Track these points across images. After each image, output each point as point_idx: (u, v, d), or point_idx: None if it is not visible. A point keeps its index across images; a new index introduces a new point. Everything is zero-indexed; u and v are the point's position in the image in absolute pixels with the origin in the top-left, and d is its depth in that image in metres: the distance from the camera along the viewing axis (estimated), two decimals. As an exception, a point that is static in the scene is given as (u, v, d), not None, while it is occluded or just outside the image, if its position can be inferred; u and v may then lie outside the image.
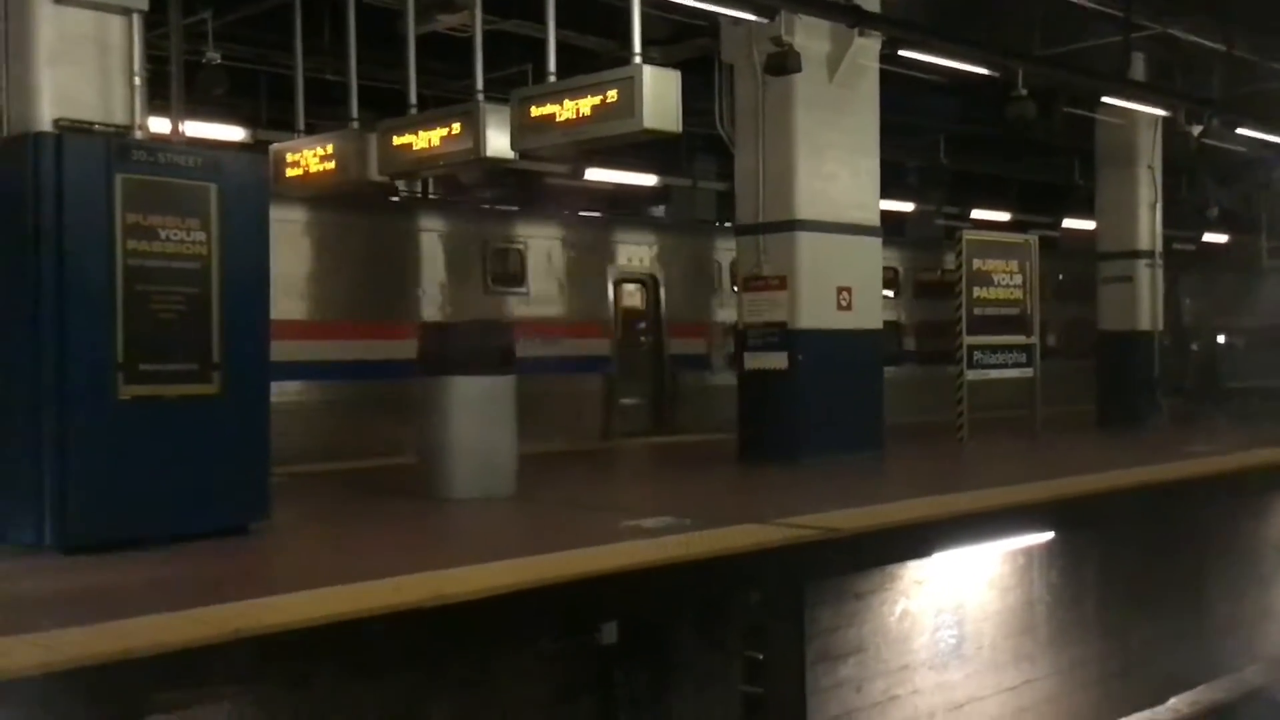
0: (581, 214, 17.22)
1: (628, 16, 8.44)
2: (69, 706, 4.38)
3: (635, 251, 15.65)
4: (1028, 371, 14.29)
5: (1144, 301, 15.98)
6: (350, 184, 10.49)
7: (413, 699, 5.81)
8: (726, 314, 15.79)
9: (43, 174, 6.54)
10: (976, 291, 13.68)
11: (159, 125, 7.77)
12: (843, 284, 11.26)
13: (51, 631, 4.76)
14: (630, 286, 15.63)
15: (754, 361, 11.32)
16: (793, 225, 11.01)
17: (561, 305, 14.60)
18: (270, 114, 14.72)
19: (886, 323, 16.82)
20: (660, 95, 8.05)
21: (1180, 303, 20.38)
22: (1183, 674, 10.36)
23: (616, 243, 15.62)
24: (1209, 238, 24.50)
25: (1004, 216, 23.41)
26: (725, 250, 16.25)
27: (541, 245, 14.61)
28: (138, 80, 6.99)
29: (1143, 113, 15.23)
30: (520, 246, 14.44)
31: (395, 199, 15.40)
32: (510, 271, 14.33)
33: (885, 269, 17.03)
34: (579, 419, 14.24)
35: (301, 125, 10.95)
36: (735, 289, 15.77)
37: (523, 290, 14.30)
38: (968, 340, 13.47)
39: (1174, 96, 15.12)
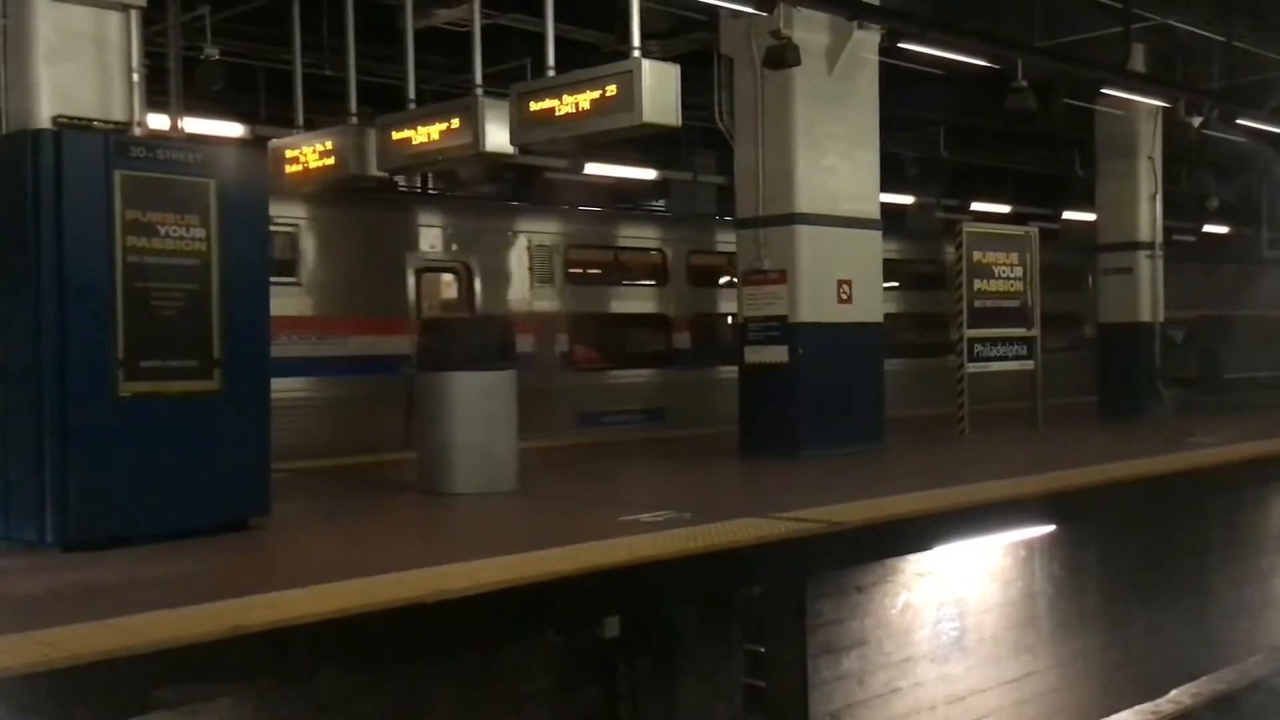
0: (373, 192, 14.91)
1: (626, 10, 8.41)
2: (70, 704, 4.38)
3: (445, 236, 13.70)
4: (1028, 364, 14.30)
5: (1144, 293, 15.99)
6: (350, 179, 10.49)
7: (416, 693, 5.82)
8: (566, 306, 14.44)
9: (42, 171, 6.54)
10: (976, 284, 13.68)
11: (158, 122, 7.78)
12: (843, 277, 11.24)
13: (52, 629, 4.76)
14: (440, 276, 13.79)
15: (754, 355, 11.31)
16: (792, 219, 10.99)
17: (345, 298, 12.72)
18: (269, 110, 14.64)
19: (651, 314, 15.61)
20: (659, 89, 8.03)
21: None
22: (1184, 665, 10.37)
23: (420, 226, 13.68)
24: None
25: (1004, 209, 23.40)
26: (567, 235, 14.74)
27: (318, 227, 12.72)
28: (136, 77, 6.99)
29: (1143, 104, 15.21)
30: (290, 229, 12.44)
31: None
32: (278, 258, 11.97)
33: (652, 251, 15.86)
34: (373, 426, 12.40)
35: (300, 121, 10.94)
36: (571, 275, 14.27)
37: (293, 280, 12.39)
38: (968, 333, 13.48)
39: (1174, 87, 15.09)
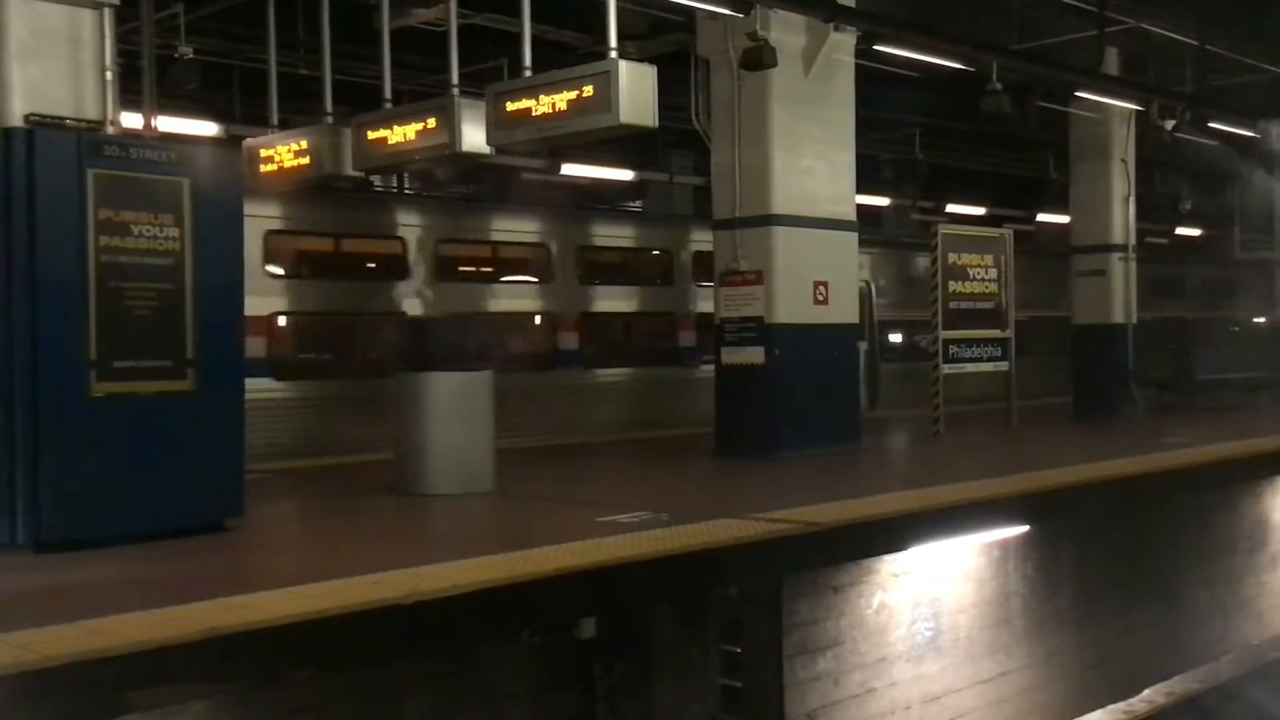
0: None
1: (604, 11, 8.42)
2: (43, 706, 4.35)
3: None
4: (1003, 365, 14.36)
5: (1118, 294, 16.09)
6: (324, 179, 10.45)
7: (392, 694, 5.80)
8: None
9: (14, 170, 6.49)
10: (952, 286, 13.73)
11: (131, 120, 7.72)
12: (819, 278, 11.27)
13: (24, 631, 4.72)
14: None
15: (731, 356, 11.32)
16: (769, 220, 11.01)
17: None
18: (244, 109, 14.59)
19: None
20: (636, 90, 8.04)
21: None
22: (1157, 664, 10.43)
23: None
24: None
25: (979, 210, 23.51)
26: None
27: None
28: (109, 75, 6.93)
29: (1116, 106, 15.31)
30: None
31: None
32: None
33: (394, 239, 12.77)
34: None
35: (275, 120, 10.90)
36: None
37: None
38: (943, 335, 13.52)
39: (1147, 90, 15.21)
